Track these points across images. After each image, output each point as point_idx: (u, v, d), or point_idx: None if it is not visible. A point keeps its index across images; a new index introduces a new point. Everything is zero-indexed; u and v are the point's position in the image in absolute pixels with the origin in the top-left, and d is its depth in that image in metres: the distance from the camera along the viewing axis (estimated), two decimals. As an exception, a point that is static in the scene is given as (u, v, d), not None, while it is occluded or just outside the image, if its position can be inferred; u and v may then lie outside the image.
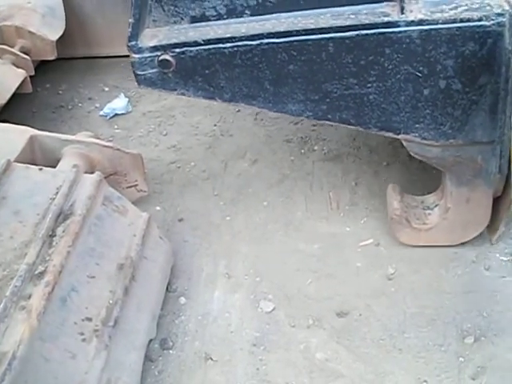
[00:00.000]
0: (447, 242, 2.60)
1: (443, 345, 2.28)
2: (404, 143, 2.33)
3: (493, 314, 2.36)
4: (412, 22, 2.02)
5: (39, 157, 2.67)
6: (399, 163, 3.07)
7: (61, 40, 3.74)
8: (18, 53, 3.51)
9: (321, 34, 2.10)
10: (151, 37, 2.22)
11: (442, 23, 2.01)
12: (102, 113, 3.79)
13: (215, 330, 2.42)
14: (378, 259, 2.63)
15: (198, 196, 3.08)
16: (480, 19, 1.98)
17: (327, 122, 2.33)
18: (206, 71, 2.23)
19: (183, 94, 2.31)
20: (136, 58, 2.22)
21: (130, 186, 2.82)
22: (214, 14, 2.21)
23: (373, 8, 2.09)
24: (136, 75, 2.26)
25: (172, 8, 2.22)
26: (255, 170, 3.20)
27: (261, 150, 3.33)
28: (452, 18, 2.00)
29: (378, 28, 2.05)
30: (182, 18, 2.23)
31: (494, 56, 2.02)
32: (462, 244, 2.59)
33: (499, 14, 1.97)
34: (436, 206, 2.60)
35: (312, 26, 2.10)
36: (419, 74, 2.11)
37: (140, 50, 2.21)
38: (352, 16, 2.09)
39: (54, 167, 2.50)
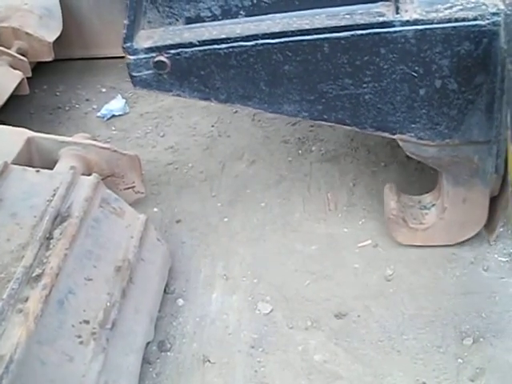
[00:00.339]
0: (444, 241, 2.60)
1: (442, 346, 2.28)
2: (400, 143, 2.33)
3: (491, 315, 2.36)
4: (407, 21, 2.02)
5: (36, 159, 2.67)
6: (397, 164, 3.07)
7: (58, 41, 3.74)
8: (15, 54, 3.51)
9: (316, 34, 2.10)
10: (146, 38, 2.22)
11: (437, 23, 2.00)
12: (99, 114, 3.79)
13: (213, 331, 2.41)
14: (376, 260, 2.63)
15: (195, 197, 3.07)
16: (475, 18, 1.98)
17: (323, 123, 2.33)
18: (202, 72, 2.22)
19: (179, 95, 2.31)
20: (131, 60, 2.22)
21: (128, 188, 2.81)
22: (209, 14, 2.21)
23: (368, 8, 2.09)
24: (131, 77, 2.26)
25: (167, 9, 2.22)
26: (253, 171, 3.20)
27: (258, 151, 3.32)
28: (447, 17, 2.00)
29: (373, 28, 2.05)
30: (177, 19, 2.23)
31: (489, 55, 2.02)
32: (461, 245, 2.59)
33: (494, 14, 1.97)
34: (433, 205, 2.61)
35: (307, 27, 2.10)
36: (415, 74, 2.11)
37: (135, 52, 2.21)
38: (347, 16, 2.09)
39: (51, 169, 2.50)
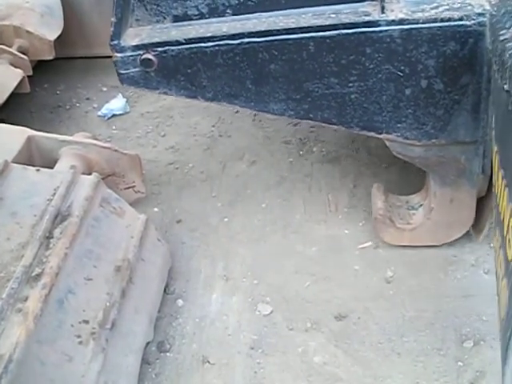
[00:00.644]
0: (431, 242, 2.60)
1: (442, 349, 2.27)
2: (387, 143, 2.34)
3: (492, 318, 2.34)
4: (393, 21, 2.02)
5: (37, 157, 2.67)
6: (398, 165, 3.06)
7: (59, 40, 3.74)
8: (16, 52, 3.50)
9: (301, 33, 2.10)
10: (134, 36, 2.24)
11: (422, 22, 2.01)
12: (99, 113, 3.79)
13: (213, 332, 2.40)
14: (376, 262, 2.62)
15: (195, 197, 3.07)
16: (461, 19, 1.98)
17: (310, 122, 2.33)
18: (188, 70, 2.23)
19: (166, 93, 2.33)
20: (118, 57, 2.25)
21: (128, 188, 2.81)
22: (196, 13, 2.22)
23: (354, 7, 2.10)
24: (119, 74, 2.28)
25: (154, 7, 2.23)
26: (253, 172, 3.19)
27: (259, 152, 3.32)
28: (433, 17, 2.00)
29: (358, 27, 2.06)
30: (165, 18, 2.25)
31: (475, 56, 2.02)
32: (461, 247, 2.59)
33: (480, 14, 1.97)
34: (420, 205, 2.61)
35: (293, 26, 2.11)
36: (400, 74, 2.11)
37: (122, 49, 2.23)
38: (333, 15, 2.09)
39: (52, 168, 2.49)
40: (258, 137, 3.44)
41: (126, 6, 2.22)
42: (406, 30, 2.02)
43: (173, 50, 2.19)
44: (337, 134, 3.32)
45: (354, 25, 2.05)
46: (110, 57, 4.12)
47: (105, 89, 4.01)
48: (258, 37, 2.12)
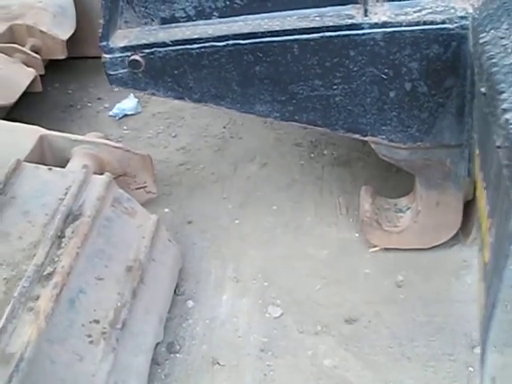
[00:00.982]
0: (418, 245, 2.60)
1: (452, 354, 2.26)
2: (372, 145, 2.35)
3: (503, 324, 2.34)
4: (375, 24, 2.03)
5: (49, 156, 2.67)
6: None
7: (71, 39, 3.75)
8: (29, 52, 3.52)
9: (286, 35, 2.12)
10: (122, 37, 2.27)
11: (405, 25, 2.02)
12: (111, 113, 3.79)
13: (223, 334, 2.40)
14: (387, 266, 2.62)
15: (206, 199, 3.07)
16: (443, 22, 1.99)
17: (295, 123, 2.34)
18: (175, 72, 2.26)
19: (154, 94, 2.36)
20: (107, 58, 2.27)
21: (139, 188, 2.81)
22: (184, 15, 2.24)
23: (338, 10, 2.11)
24: (107, 75, 2.31)
25: (142, 9, 2.26)
26: (264, 174, 3.19)
27: (270, 154, 3.32)
28: (415, 20, 2.01)
29: (342, 30, 2.07)
30: (153, 20, 2.27)
31: (458, 59, 2.02)
32: (472, 252, 2.57)
33: (462, 17, 1.97)
34: (408, 208, 2.62)
35: (277, 28, 2.13)
36: (384, 77, 2.12)
37: (111, 51, 2.26)
38: (317, 18, 2.11)
39: (64, 167, 2.49)
40: (269, 139, 3.44)
41: (115, 8, 2.25)
42: (389, 32, 2.03)
43: (160, 52, 2.23)
44: (348, 138, 3.29)
45: (338, 27, 2.07)
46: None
47: (116, 89, 3.99)
48: (244, 39, 2.15)
